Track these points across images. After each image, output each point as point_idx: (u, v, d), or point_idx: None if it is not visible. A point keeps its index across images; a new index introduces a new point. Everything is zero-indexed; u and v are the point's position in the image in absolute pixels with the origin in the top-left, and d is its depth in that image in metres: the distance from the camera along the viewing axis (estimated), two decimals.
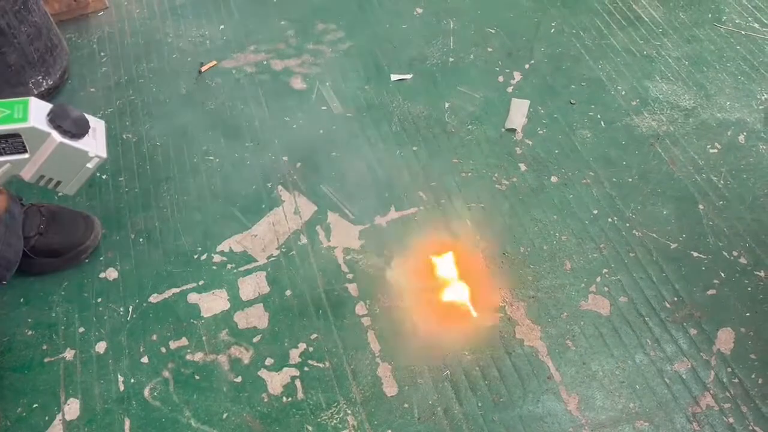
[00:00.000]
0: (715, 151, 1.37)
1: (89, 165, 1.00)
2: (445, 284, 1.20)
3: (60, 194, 1.04)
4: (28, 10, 1.38)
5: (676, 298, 1.16)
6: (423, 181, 1.35)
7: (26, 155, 0.94)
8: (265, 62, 1.61)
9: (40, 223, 1.18)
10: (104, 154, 1.00)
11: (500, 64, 1.57)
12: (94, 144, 0.99)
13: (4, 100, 0.91)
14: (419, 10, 1.72)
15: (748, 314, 1.13)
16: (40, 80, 1.47)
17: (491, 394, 1.07)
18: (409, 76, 1.56)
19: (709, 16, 1.66)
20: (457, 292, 1.19)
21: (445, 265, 1.23)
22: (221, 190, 1.35)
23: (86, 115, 0.98)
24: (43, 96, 1.47)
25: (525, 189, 1.33)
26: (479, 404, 1.06)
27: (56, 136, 0.94)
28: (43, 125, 0.92)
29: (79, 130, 0.96)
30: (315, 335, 1.14)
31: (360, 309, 1.17)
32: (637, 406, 1.05)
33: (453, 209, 1.31)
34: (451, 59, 1.59)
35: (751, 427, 1.02)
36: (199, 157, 1.41)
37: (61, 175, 1.00)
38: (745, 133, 1.40)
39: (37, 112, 0.92)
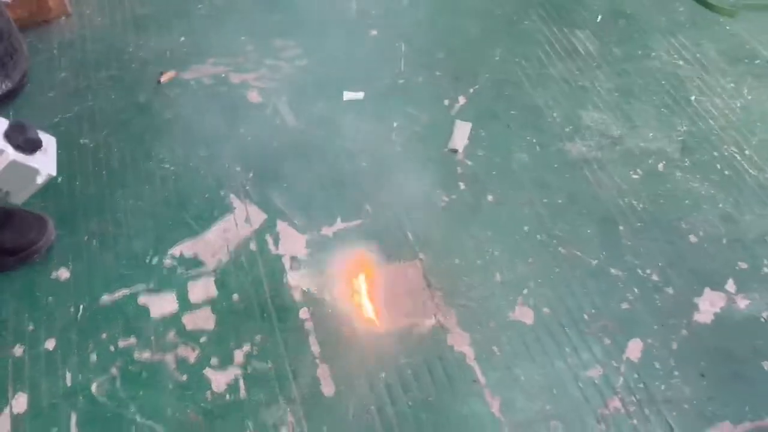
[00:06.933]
0: (637, 177, 1.50)
1: (38, 181, 1.05)
2: (384, 292, 1.28)
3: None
4: None
5: (593, 311, 1.27)
6: (369, 195, 1.43)
7: None
8: (223, 75, 1.67)
9: None
10: (54, 172, 1.06)
11: (447, 87, 1.68)
12: (45, 161, 1.05)
13: None
14: (374, 32, 1.81)
15: (655, 327, 1.25)
16: None
17: (422, 395, 1.15)
18: (360, 95, 1.64)
19: (639, 52, 1.80)
20: (395, 300, 1.27)
21: (385, 274, 1.31)
22: (175, 197, 1.40)
23: (39, 132, 1.03)
24: (1, 99, 1.50)
25: (463, 206, 1.43)
26: (410, 404, 1.14)
27: (10, 153, 0.98)
28: None
29: (32, 147, 1.01)
30: (259, 337, 1.21)
31: (303, 314, 1.24)
32: (552, 408, 1.15)
33: (395, 222, 1.39)
34: (401, 81, 1.68)
35: (652, 429, 1.13)
36: (154, 165, 1.46)
37: (9, 188, 1.04)
38: (664, 162, 1.53)
39: None
